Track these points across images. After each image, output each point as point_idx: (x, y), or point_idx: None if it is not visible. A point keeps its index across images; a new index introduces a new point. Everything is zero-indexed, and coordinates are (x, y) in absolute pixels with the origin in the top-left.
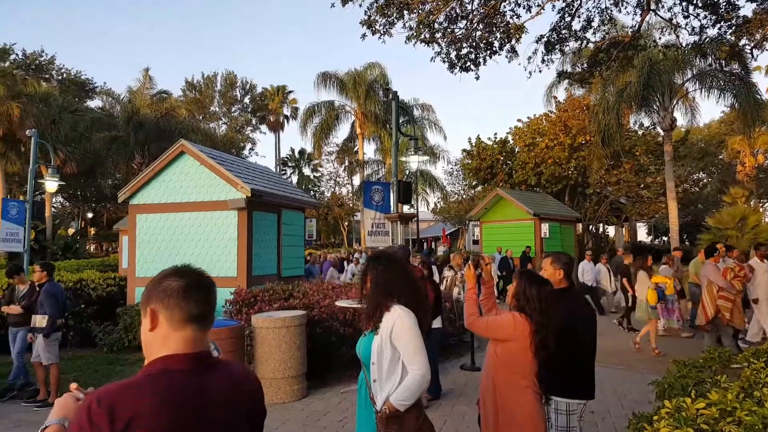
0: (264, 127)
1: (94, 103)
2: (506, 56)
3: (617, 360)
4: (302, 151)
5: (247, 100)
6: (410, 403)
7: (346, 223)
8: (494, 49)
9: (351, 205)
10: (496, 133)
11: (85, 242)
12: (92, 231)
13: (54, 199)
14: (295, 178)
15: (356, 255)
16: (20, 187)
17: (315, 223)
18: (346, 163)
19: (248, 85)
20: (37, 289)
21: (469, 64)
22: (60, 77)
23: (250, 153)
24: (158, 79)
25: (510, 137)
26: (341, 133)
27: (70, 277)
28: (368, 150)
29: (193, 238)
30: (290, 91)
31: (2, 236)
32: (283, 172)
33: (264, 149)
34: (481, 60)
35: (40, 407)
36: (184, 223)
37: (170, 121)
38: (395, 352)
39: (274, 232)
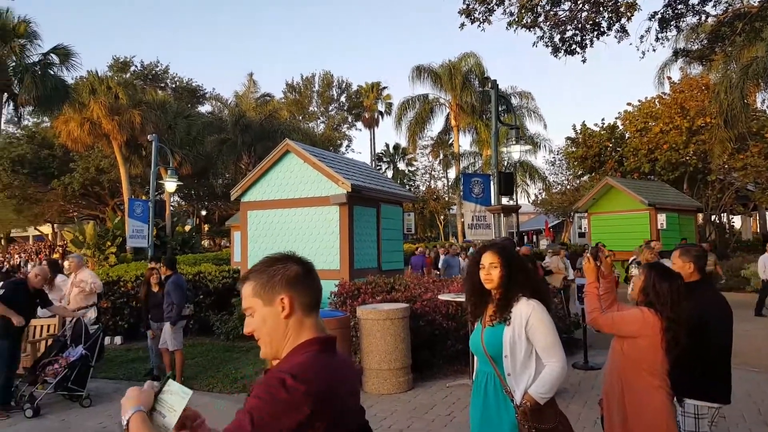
0: (359, 124)
1: (205, 108)
2: (615, 36)
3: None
4: (397, 146)
5: (343, 98)
6: (550, 396)
7: (442, 217)
8: (602, 29)
9: (447, 198)
10: (603, 119)
11: (200, 238)
12: (206, 228)
13: (171, 199)
14: (390, 173)
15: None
16: (142, 188)
17: (413, 217)
18: (441, 156)
19: (344, 84)
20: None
21: (574, 47)
22: (174, 85)
23: (346, 150)
24: (261, 83)
25: (619, 122)
26: (436, 126)
27: (190, 270)
28: (463, 142)
29: (299, 232)
30: (384, 87)
31: (130, 233)
32: (378, 168)
33: (359, 146)
34: (587, 42)
35: None
36: (290, 218)
37: (273, 122)
38: (529, 344)
39: (373, 226)
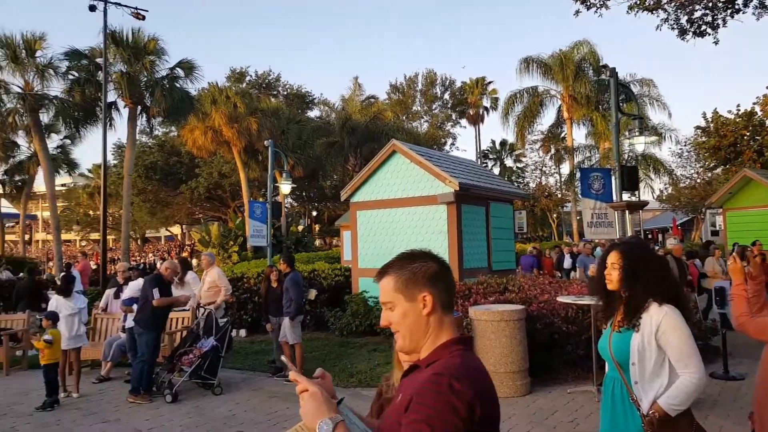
0: (464, 121)
1: (314, 113)
2: (753, 13)
3: None
4: (504, 142)
5: (446, 96)
6: (683, 408)
7: (555, 215)
8: (737, 6)
9: (559, 195)
10: (738, 105)
11: (312, 237)
12: (317, 227)
13: (285, 200)
14: (496, 170)
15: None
16: (259, 190)
17: (525, 215)
18: (553, 151)
19: (447, 81)
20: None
21: (704, 27)
22: (285, 92)
23: (451, 148)
24: (366, 86)
25: (758, 108)
26: (546, 119)
27: (305, 268)
28: (577, 135)
29: (407, 231)
30: (489, 82)
31: (251, 233)
32: (484, 165)
33: (464, 143)
34: (719, 21)
35: (287, 382)
36: (398, 217)
37: (378, 123)
38: (660, 352)
39: (482, 224)
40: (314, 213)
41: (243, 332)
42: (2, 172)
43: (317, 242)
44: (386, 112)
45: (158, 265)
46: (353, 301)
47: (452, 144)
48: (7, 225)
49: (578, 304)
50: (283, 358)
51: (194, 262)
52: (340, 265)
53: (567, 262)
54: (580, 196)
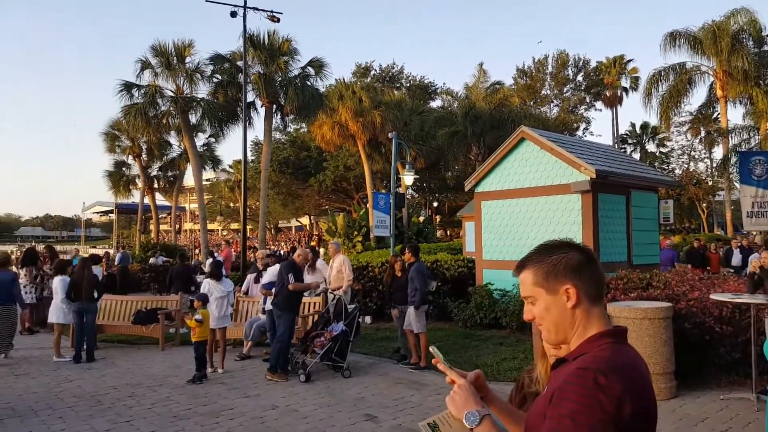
0: (599, 104)
1: (436, 103)
2: None
3: None
4: (645, 125)
5: (580, 77)
6: None
7: (704, 205)
8: None
9: (710, 182)
10: None
11: (433, 228)
12: (437, 218)
13: (407, 191)
14: (636, 156)
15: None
16: (382, 182)
17: (671, 205)
18: (703, 133)
19: (581, 62)
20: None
21: None
22: (408, 84)
23: (584, 133)
24: (492, 72)
25: None
26: (695, 99)
27: (427, 258)
28: (732, 115)
29: (535, 222)
30: (629, 61)
31: (375, 223)
32: (622, 150)
33: (599, 128)
34: None
35: (413, 369)
36: (525, 208)
37: (503, 110)
38: None
39: (622, 215)
40: (435, 204)
41: (368, 319)
42: (157, 169)
43: (438, 233)
44: (512, 98)
45: (291, 253)
46: (477, 293)
47: (585, 129)
48: (160, 216)
49: (735, 303)
50: (432, 348)
51: (321, 250)
52: (462, 256)
53: (736, 258)
54: (738, 183)
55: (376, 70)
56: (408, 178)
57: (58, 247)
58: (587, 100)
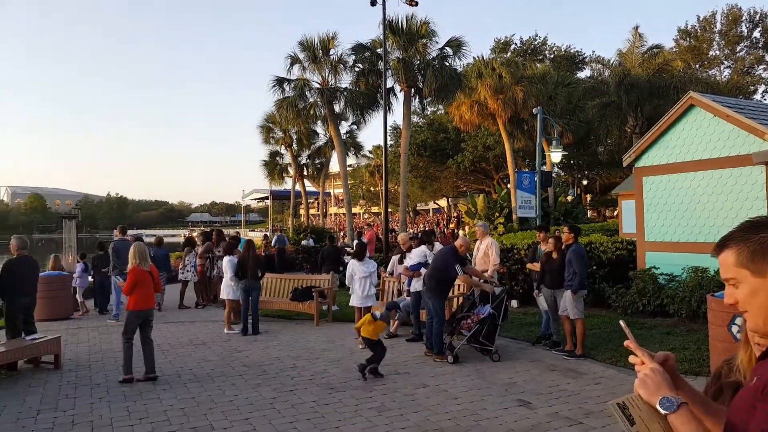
0: None
1: (584, 74)
2: None
3: None
4: None
5: (756, 33)
6: None
7: None
8: None
9: None
10: None
11: (583, 208)
12: (587, 197)
13: (553, 170)
14: None
15: None
16: (523, 161)
17: None
18: None
19: (757, 16)
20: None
21: None
22: (552, 56)
23: (763, 96)
24: (648, 35)
25: None
26: None
27: (580, 240)
28: None
29: (708, 199)
30: None
31: (519, 204)
32: None
33: None
34: None
35: (567, 356)
36: (696, 183)
37: (663, 76)
38: None
39: None
40: (585, 182)
41: (515, 303)
42: (306, 157)
43: (589, 213)
44: (674, 62)
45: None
46: (639, 277)
47: (765, 92)
48: (309, 201)
49: None
50: (622, 323)
51: (460, 233)
52: (620, 238)
53: None
54: None
55: (516, 44)
56: (555, 155)
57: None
58: (767, 58)
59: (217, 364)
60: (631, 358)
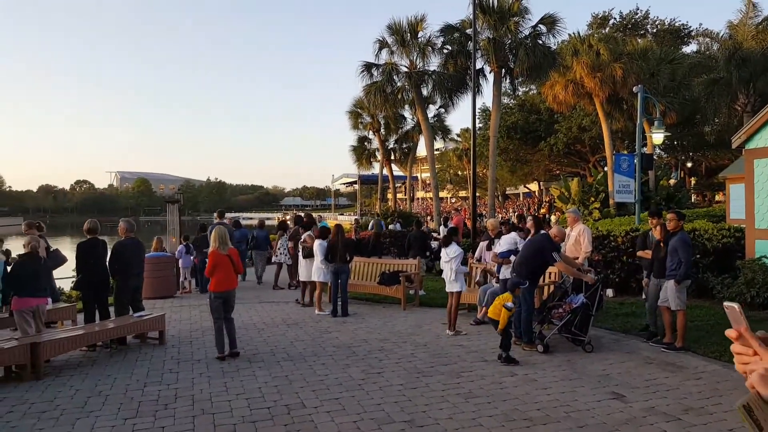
0: None
1: (690, 49)
2: None
3: None
4: None
5: None
6: None
7: None
8: None
9: None
10: None
11: (687, 192)
12: (692, 181)
13: (654, 151)
14: None
15: None
16: (622, 142)
17: None
18: None
19: None
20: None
21: None
22: (654, 30)
23: None
24: (764, 5)
25: None
26: None
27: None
28: None
29: None
30: None
31: (616, 188)
32: None
33: None
34: None
35: (666, 349)
36: None
37: None
38: None
39: None
40: (689, 164)
41: (610, 292)
42: (393, 141)
43: (693, 198)
44: None
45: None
46: (748, 267)
47: None
48: (396, 185)
49: None
50: (729, 306)
51: (552, 218)
52: (727, 225)
53: None
54: None
55: (615, 18)
56: (657, 136)
57: (314, 214)
58: None
59: (309, 344)
60: (734, 347)
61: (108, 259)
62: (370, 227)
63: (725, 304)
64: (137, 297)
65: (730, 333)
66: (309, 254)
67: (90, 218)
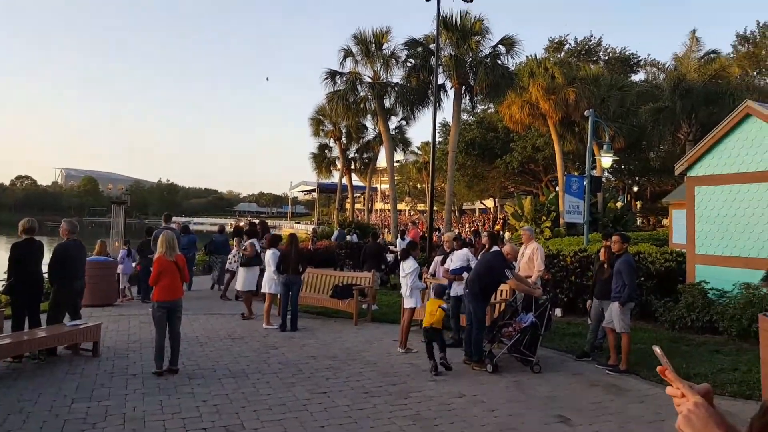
0: None
1: (638, 77)
2: None
3: None
4: None
5: None
6: None
7: None
8: None
9: None
10: None
11: (633, 215)
12: (637, 204)
13: (603, 174)
14: None
15: None
16: (573, 164)
17: None
18: None
19: None
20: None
21: None
22: (606, 57)
23: None
24: (706, 40)
25: None
26: None
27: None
28: None
29: (763, 213)
30: None
31: (566, 208)
32: None
33: None
34: None
35: (611, 371)
36: (751, 195)
37: (719, 83)
38: None
39: None
40: (635, 188)
41: (559, 312)
42: (354, 151)
43: (638, 221)
44: (731, 68)
45: (473, 237)
46: (688, 291)
47: None
48: (355, 195)
49: None
50: (657, 350)
51: (506, 235)
52: (669, 249)
53: None
54: None
55: (570, 44)
56: (605, 160)
57: (269, 222)
58: None
59: (253, 360)
60: (668, 390)
61: (49, 261)
62: (333, 238)
63: (653, 347)
64: (77, 303)
65: (662, 371)
66: (247, 263)
67: (28, 217)
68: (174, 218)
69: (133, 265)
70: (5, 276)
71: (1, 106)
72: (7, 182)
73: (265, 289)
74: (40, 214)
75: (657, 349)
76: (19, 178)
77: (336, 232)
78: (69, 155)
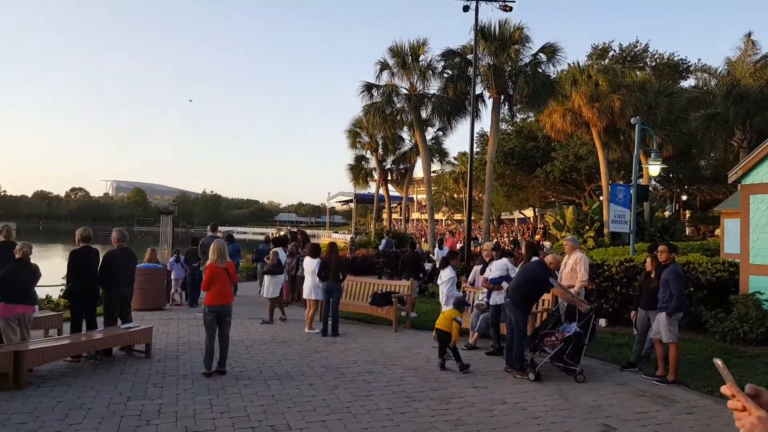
0: None
1: (688, 83)
2: None
3: None
4: None
5: None
6: None
7: None
8: None
9: None
10: None
11: (682, 225)
12: (686, 214)
13: (650, 183)
14: None
15: None
16: (618, 173)
17: None
18: None
19: None
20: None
21: None
22: (653, 63)
23: None
24: (762, 43)
25: None
26: None
27: (677, 259)
28: None
29: None
30: None
31: (611, 218)
32: None
33: None
34: None
35: (658, 382)
36: None
37: None
38: None
39: None
40: (684, 197)
41: (603, 322)
42: (391, 162)
43: (687, 230)
44: None
45: (513, 247)
46: (741, 302)
47: None
48: (392, 205)
49: None
50: (718, 362)
51: (546, 244)
52: (721, 259)
53: None
54: None
55: (615, 50)
56: (653, 168)
57: (308, 232)
58: None
59: (297, 363)
60: (730, 404)
61: (99, 268)
62: (382, 247)
63: (714, 360)
64: (126, 308)
65: (724, 390)
66: (271, 271)
67: (84, 226)
68: (219, 228)
69: (183, 270)
70: (64, 281)
71: (63, 122)
72: (62, 194)
73: (310, 295)
74: (93, 224)
75: (718, 362)
76: (73, 189)
77: (384, 241)
78: (119, 169)
